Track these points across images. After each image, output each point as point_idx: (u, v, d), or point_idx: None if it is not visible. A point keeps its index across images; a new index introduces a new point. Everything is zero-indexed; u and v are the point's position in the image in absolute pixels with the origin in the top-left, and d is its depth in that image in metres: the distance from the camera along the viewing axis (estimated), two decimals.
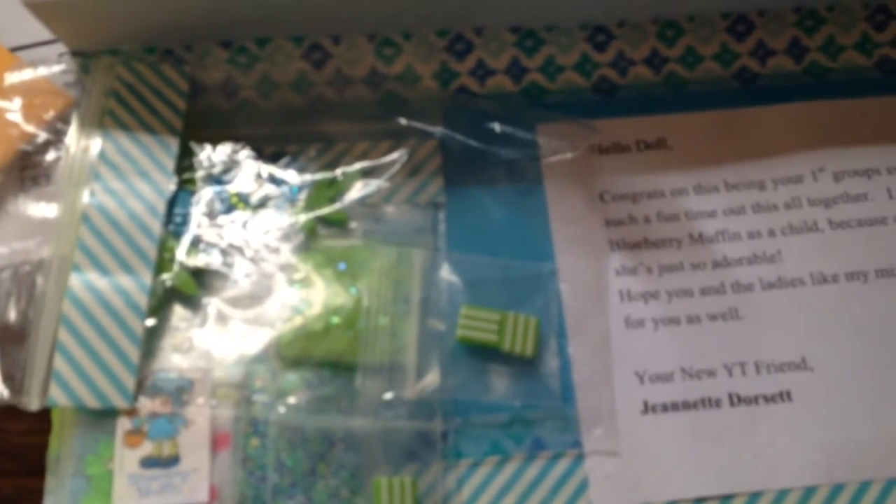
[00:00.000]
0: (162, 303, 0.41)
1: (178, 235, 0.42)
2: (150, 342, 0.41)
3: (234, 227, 0.43)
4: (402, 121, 0.45)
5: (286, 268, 0.42)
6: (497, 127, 0.45)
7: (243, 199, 0.44)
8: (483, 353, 0.41)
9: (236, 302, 0.42)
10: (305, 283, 0.42)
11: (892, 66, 0.48)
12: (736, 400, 0.41)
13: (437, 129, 0.46)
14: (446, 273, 0.43)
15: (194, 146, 0.45)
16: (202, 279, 0.42)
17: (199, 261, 0.42)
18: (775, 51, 0.48)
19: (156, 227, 0.42)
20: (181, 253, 0.42)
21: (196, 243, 0.42)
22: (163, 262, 0.42)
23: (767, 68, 0.48)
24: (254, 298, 0.42)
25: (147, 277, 0.41)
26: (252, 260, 0.42)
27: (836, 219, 0.44)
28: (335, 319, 0.41)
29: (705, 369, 0.41)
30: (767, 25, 0.48)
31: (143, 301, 0.40)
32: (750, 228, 0.44)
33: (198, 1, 0.46)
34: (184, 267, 0.42)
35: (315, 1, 0.46)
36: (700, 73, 0.48)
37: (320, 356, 0.41)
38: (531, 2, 0.46)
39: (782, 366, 0.41)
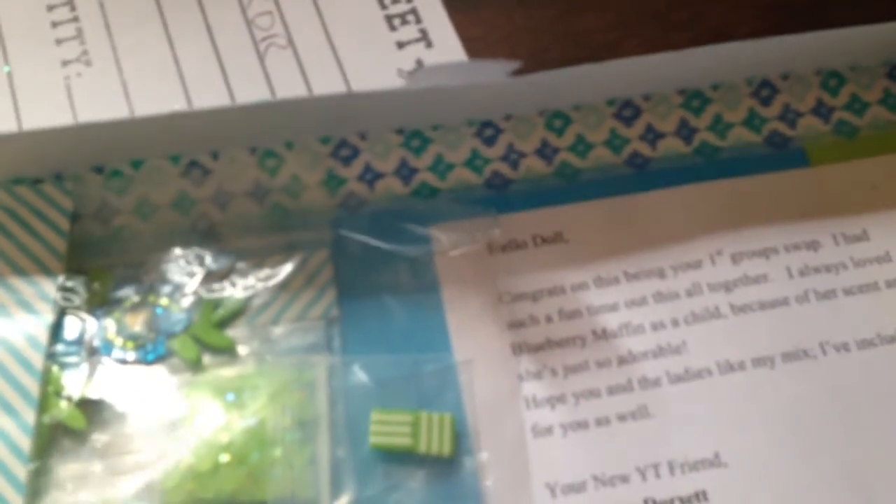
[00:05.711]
0: (47, 441, 0.39)
1: (63, 367, 0.40)
2: (36, 484, 0.38)
3: (115, 362, 0.41)
4: (287, 236, 0.44)
5: (170, 405, 0.40)
6: (387, 231, 0.44)
7: (123, 332, 0.41)
8: (399, 459, 0.39)
9: (120, 446, 0.39)
10: (190, 419, 0.39)
11: (781, 141, 0.47)
12: None
13: (326, 239, 0.44)
14: (351, 382, 0.41)
15: (73, 276, 0.42)
16: (89, 412, 0.39)
17: (85, 393, 0.40)
18: (664, 133, 0.47)
19: (37, 360, 0.39)
20: (67, 386, 0.39)
21: (81, 375, 0.40)
22: (47, 396, 0.39)
23: (658, 151, 0.47)
24: (138, 438, 0.39)
25: (29, 417, 0.38)
26: (134, 398, 0.40)
27: (738, 303, 0.43)
28: (224, 457, 0.39)
29: (618, 475, 0.39)
30: (654, 108, 0.48)
31: (25, 443, 0.38)
32: (653, 319, 0.43)
33: (66, 132, 0.44)
34: (70, 401, 0.39)
35: (188, 123, 0.45)
36: (592, 161, 0.47)
37: (210, 499, 0.38)
38: (411, 105, 0.45)
39: (696, 464, 0.40)
